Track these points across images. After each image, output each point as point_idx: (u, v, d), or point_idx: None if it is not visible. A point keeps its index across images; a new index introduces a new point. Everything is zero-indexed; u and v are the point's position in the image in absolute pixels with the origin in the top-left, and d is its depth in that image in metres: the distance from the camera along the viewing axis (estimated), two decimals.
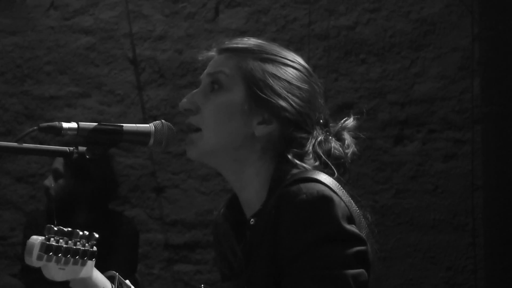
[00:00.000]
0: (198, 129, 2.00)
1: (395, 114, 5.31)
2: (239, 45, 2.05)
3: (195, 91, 2.04)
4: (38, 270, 1.95)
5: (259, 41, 2.10)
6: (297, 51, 2.13)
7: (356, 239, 1.84)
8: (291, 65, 2.04)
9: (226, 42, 2.08)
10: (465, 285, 5.19)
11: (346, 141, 2.03)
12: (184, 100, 2.03)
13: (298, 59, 2.07)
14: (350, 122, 2.07)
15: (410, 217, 5.27)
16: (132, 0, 5.57)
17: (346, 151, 2.02)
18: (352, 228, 1.84)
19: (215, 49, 2.09)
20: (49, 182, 4.32)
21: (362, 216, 1.93)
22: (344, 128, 2.06)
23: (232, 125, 1.98)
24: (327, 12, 5.38)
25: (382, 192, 5.28)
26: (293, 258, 1.82)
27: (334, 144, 2.01)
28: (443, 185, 5.23)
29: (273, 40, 2.13)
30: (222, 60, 2.04)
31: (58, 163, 4.32)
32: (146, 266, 5.46)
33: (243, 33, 5.26)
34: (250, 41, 2.08)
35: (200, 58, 2.12)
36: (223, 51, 2.06)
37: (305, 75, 2.04)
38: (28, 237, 1.92)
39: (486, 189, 5.03)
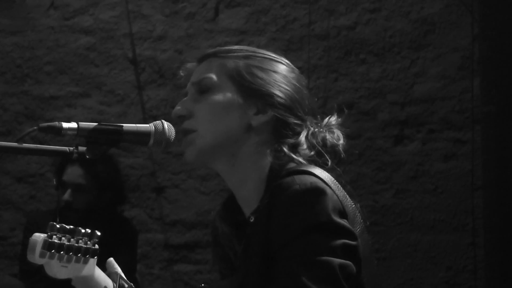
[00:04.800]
0: (192, 131, 2.01)
1: (395, 114, 5.31)
2: (219, 49, 2.08)
3: (184, 99, 2.06)
4: (38, 272, 1.94)
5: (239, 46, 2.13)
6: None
7: (345, 232, 1.85)
8: (274, 60, 2.07)
9: (205, 51, 2.11)
10: (465, 285, 5.19)
11: (335, 133, 2.06)
12: (176, 107, 2.04)
13: (280, 57, 2.10)
14: (334, 119, 2.09)
15: (410, 217, 5.27)
16: (132, 0, 5.57)
17: (338, 142, 2.04)
18: (342, 221, 1.85)
19: (195, 60, 2.11)
20: (69, 196, 4.33)
21: (357, 212, 1.94)
22: (331, 124, 2.08)
23: (228, 119, 1.99)
24: (327, 12, 5.38)
25: (382, 192, 5.28)
26: (282, 245, 1.84)
27: (328, 135, 2.03)
28: (443, 185, 5.23)
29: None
30: (204, 66, 2.06)
31: (77, 177, 4.34)
32: (146, 266, 5.46)
33: (243, 33, 5.26)
34: (229, 46, 2.11)
35: (181, 73, 2.13)
36: (203, 58, 2.08)
37: (289, 68, 2.08)
38: (28, 237, 1.92)
39: (486, 189, 5.02)
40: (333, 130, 2.06)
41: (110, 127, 1.98)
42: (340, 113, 2.10)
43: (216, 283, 2.13)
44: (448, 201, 5.22)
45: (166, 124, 2.02)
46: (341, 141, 2.05)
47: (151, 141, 2.01)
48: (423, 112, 5.28)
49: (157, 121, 2.02)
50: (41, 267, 1.91)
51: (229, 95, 2.00)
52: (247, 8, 5.45)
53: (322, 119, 2.08)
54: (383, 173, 5.30)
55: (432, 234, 5.24)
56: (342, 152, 2.04)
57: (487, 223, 5.01)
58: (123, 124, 2.00)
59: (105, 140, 1.97)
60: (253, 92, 2.00)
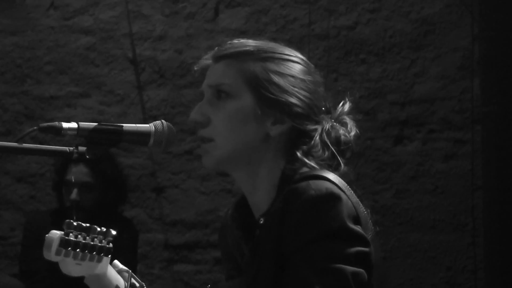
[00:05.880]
0: (210, 140, 1.99)
1: (395, 114, 5.31)
2: (236, 49, 2.02)
3: (201, 102, 2.02)
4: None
5: (255, 41, 2.07)
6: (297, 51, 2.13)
7: (359, 239, 1.84)
8: (291, 60, 2.03)
9: (221, 48, 2.04)
10: (465, 285, 5.19)
11: (348, 125, 2.05)
12: (193, 112, 2.01)
13: (295, 53, 2.06)
14: (347, 105, 2.08)
15: (410, 217, 5.27)
16: (132, 0, 5.57)
17: (350, 134, 2.03)
18: (356, 228, 1.85)
19: (211, 56, 2.05)
20: (76, 195, 4.34)
21: (369, 218, 1.93)
22: (343, 113, 2.06)
23: (246, 130, 1.97)
24: (327, 12, 5.38)
25: (382, 192, 5.28)
26: (295, 250, 1.83)
27: (341, 130, 2.02)
28: (443, 185, 5.23)
29: (273, 40, 2.12)
30: (221, 69, 2.01)
31: (83, 175, 4.36)
32: (146, 266, 5.46)
33: (243, 33, 5.25)
34: (246, 43, 2.05)
35: (196, 68, 2.10)
36: (220, 58, 2.03)
37: (305, 67, 2.04)
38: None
39: (486, 189, 5.02)
40: (346, 121, 2.05)
41: (110, 127, 1.98)
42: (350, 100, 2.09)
43: (221, 284, 2.12)
44: (448, 201, 5.22)
45: (166, 124, 2.02)
46: (353, 133, 2.04)
47: (151, 141, 2.00)
48: (423, 112, 5.28)
49: (157, 121, 2.02)
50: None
51: (247, 104, 1.97)
52: (247, 8, 5.45)
53: (335, 108, 2.07)
54: (383, 173, 5.30)
55: (432, 234, 5.23)
56: (355, 146, 2.02)
57: (487, 223, 5.01)
58: (123, 124, 1.99)
59: (105, 140, 1.97)
60: (271, 101, 1.97)
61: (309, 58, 2.10)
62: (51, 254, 1.88)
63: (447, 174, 5.24)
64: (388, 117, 5.32)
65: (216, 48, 2.06)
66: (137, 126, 2.01)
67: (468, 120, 5.19)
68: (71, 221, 1.89)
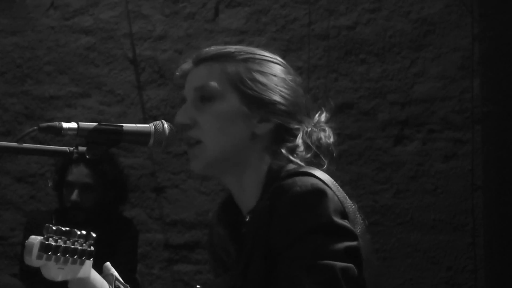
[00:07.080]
0: (198, 142, 1.99)
1: (395, 114, 5.31)
2: (217, 52, 2.04)
3: (185, 105, 2.02)
4: (38, 273, 1.94)
5: (235, 45, 2.08)
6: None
7: (347, 234, 1.84)
8: (271, 61, 2.05)
9: (201, 52, 2.05)
10: (465, 285, 5.19)
11: (327, 131, 2.06)
12: (178, 115, 2.01)
13: (275, 56, 2.08)
14: (323, 115, 2.09)
15: (410, 217, 5.27)
16: (132, 0, 5.57)
17: (329, 140, 2.05)
18: (343, 222, 1.85)
19: (191, 61, 2.06)
20: (77, 196, 4.35)
21: (357, 213, 1.94)
22: (321, 121, 2.08)
23: (233, 130, 1.98)
24: (327, 12, 5.38)
25: (382, 192, 5.28)
26: (284, 247, 1.83)
27: (321, 134, 2.04)
28: (443, 185, 5.23)
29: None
30: (204, 71, 2.02)
31: (84, 176, 4.37)
32: (146, 266, 5.46)
33: (243, 33, 5.26)
34: (225, 47, 2.06)
35: (177, 73, 2.09)
36: (201, 61, 2.04)
37: (285, 68, 2.06)
38: (28, 238, 1.92)
39: (486, 189, 5.03)
40: (324, 128, 2.06)
41: (110, 127, 1.98)
42: (331, 110, 2.10)
43: (210, 282, 2.13)
44: (448, 201, 5.22)
45: (166, 124, 2.02)
46: (332, 140, 2.05)
47: (151, 141, 2.01)
48: (423, 112, 5.28)
49: (157, 121, 2.02)
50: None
51: (233, 104, 1.98)
52: (247, 8, 5.45)
53: (313, 114, 2.08)
54: (383, 173, 5.30)
55: (432, 234, 5.24)
56: (334, 150, 2.04)
57: (487, 223, 5.01)
58: (123, 124, 2.00)
59: (105, 140, 1.97)
60: (257, 100, 1.98)
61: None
62: (32, 260, 1.87)
63: (447, 174, 5.24)
64: (388, 117, 5.32)
65: (194, 54, 2.07)
66: (137, 126, 2.01)
67: (468, 120, 5.20)
68: (50, 225, 1.88)
